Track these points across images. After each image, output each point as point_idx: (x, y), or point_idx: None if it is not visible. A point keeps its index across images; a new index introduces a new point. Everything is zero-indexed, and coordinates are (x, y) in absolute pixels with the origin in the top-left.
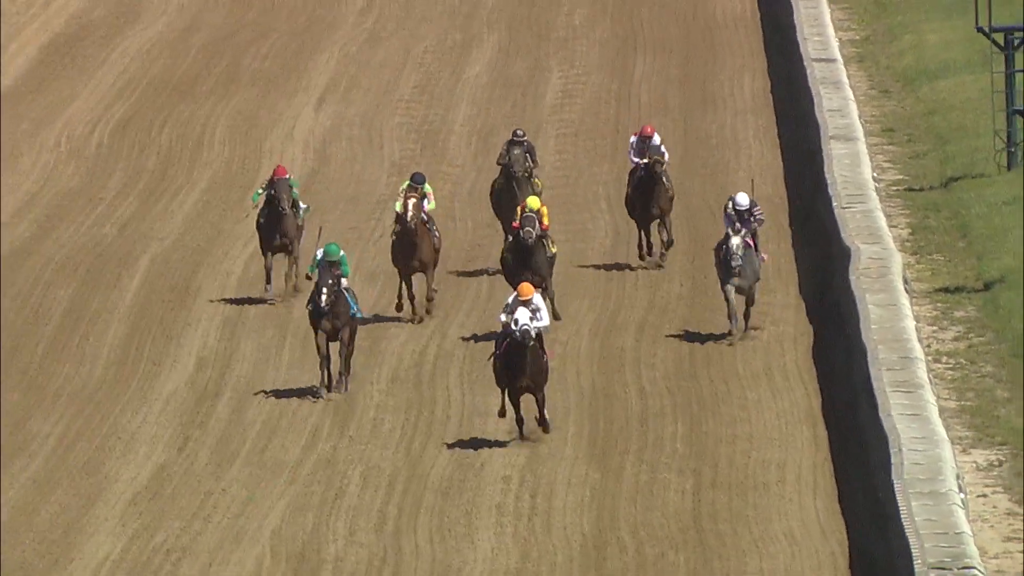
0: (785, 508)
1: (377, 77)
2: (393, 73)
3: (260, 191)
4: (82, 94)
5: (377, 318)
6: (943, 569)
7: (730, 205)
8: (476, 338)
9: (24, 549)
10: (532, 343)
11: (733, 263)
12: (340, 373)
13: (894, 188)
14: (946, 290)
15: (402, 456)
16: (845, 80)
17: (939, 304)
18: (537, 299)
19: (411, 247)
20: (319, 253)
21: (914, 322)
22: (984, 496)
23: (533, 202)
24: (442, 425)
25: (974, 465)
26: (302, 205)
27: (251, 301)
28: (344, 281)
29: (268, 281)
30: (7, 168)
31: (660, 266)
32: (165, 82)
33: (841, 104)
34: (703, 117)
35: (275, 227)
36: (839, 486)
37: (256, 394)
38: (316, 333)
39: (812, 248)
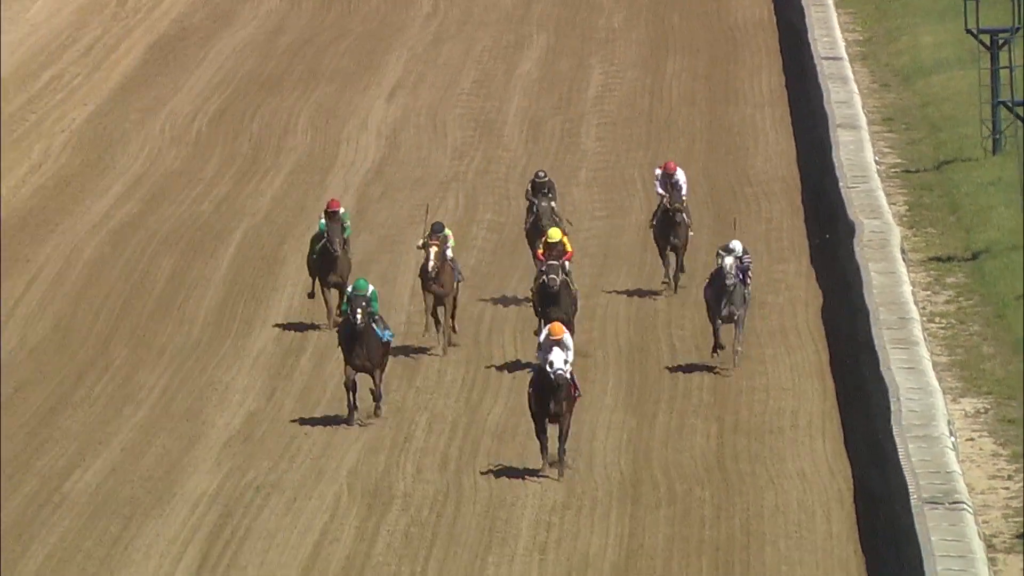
0: (797, 450)
1: (441, 73)
2: (455, 70)
3: (322, 223)
4: (183, 88)
5: (406, 349)
6: (936, 503)
7: (722, 258)
8: (528, 301)
9: (132, 487)
10: (565, 381)
11: (728, 281)
12: (374, 400)
13: (893, 170)
14: (938, 259)
15: (462, 404)
16: (850, 75)
17: (932, 271)
18: (567, 338)
19: (435, 278)
20: (349, 289)
21: (910, 287)
22: (972, 439)
23: (555, 233)
24: (497, 378)
25: (963, 412)
26: (348, 225)
27: None
28: (375, 313)
29: (329, 314)
30: (118, 152)
31: (675, 291)
32: (255, 78)
33: (847, 97)
34: (726, 109)
35: (329, 267)
36: (844, 431)
37: (335, 349)
38: (346, 366)
39: (820, 223)
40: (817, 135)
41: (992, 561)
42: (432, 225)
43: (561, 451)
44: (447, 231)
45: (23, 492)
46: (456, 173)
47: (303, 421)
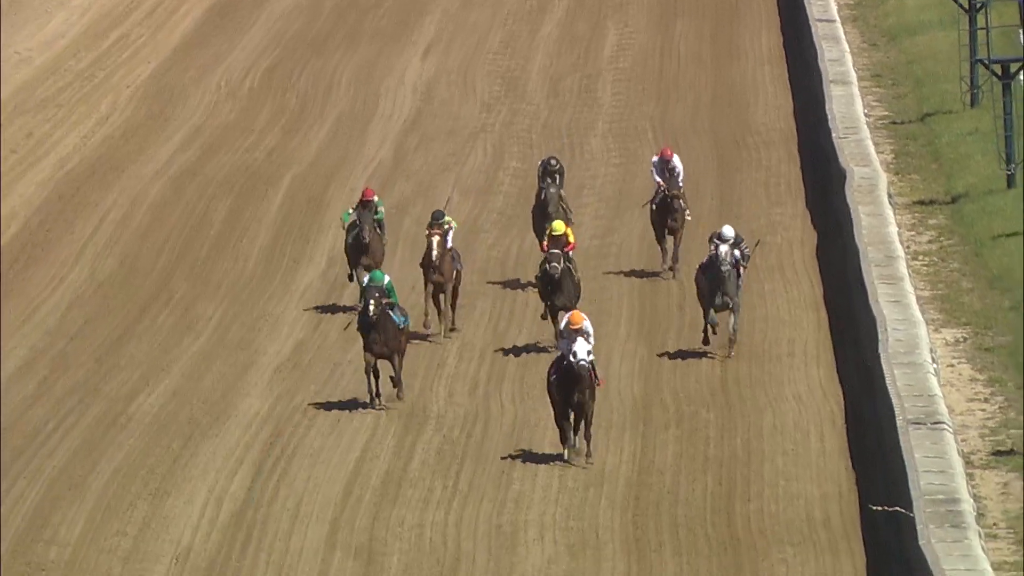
0: (794, 375)
1: (471, 34)
2: (483, 31)
3: (350, 211)
4: (237, 47)
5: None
6: (919, 424)
7: (716, 245)
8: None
9: (192, 408)
10: (587, 372)
11: (723, 267)
12: (394, 385)
13: (881, 122)
14: (921, 203)
15: (490, 334)
16: (842, 36)
17: (916, 214)
18: (586, 324)
19: (434, 268)
20: (366, 280)
21: (896, 228)
22: (952, 366)
23: (558, 226)
24: (523, 310)
25: (944, 341)
26: (381, 210)
27: None
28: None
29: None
30: (178, 105)
31: (673, 277)
32: (302, 38)
33: (839, 55)
34: (729, 66)
35: (360, 251)
36: (836, 358)
37: None
38: (365, 352)
39: (816, 170)
40: (812, 90)
41: (970, 476)
42: (433, 213)
43: (588, 437)
44: (447, 218)
45: (92, 414)
46: (484, 125)
47: (345, 350)
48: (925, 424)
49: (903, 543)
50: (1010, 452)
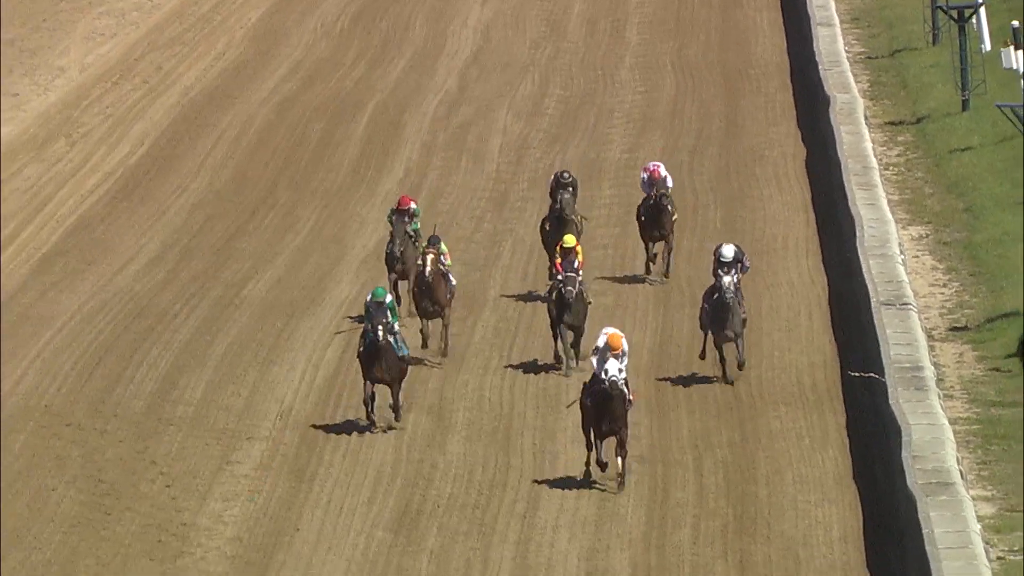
0: (787, 265)
1: None
2: None
3: (391, 215)
4: None
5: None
6: (889, 304)
7: (719, 276)
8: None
9: (292, 293)
10: (619, 392)
11: (727, 296)
12: (393, 411)
13: (859, 57)
14: (892, 123)
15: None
16: None
17: (887, 132)
18: (624, 344)
19: (428, 291)
20: (368, 298)
21: (871, 144)
22: (916, 257)
23: (570, 240)
24: None
25: (910, 236)
26: (417, 227)
27: (442, 130)
28: (394, 325)
29: (398, 303)
30: (282, 44)
31: (664, 279)
32: None
33: (824, 2)
34: (734, 11)
35: (396, 260)
36: (822, 251)
37: (442, 194)
38: (364, 380)
39: (805, 96)
40: (801, 31)
41: (931, 347)
42: (429, 238)
43: (623, 456)
44: (443, 245)
45: (211, 297)
46: (532, 59)
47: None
48: (894, 305)
49: (876, 403)
50: (964, 328)
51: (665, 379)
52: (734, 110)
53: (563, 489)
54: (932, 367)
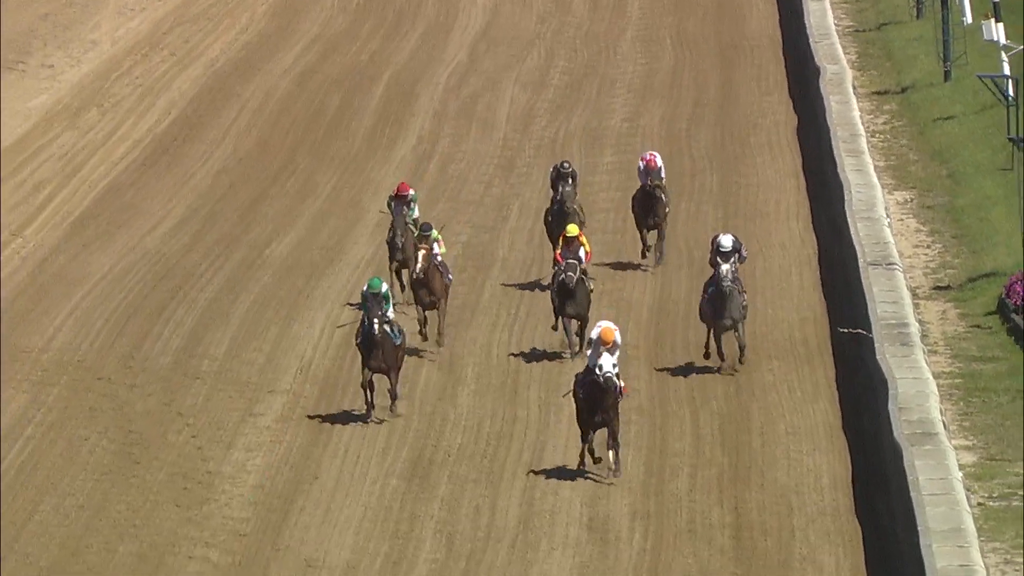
0: (779, 228)
1: None
2: None
3: (390, 201)
4: None
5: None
6: (876, 264)
7: (717, 264)
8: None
9: (312, 254)
10: (612, 385)
11: (724, 285)
12: (391, 399)
13: (847, 30)
14: (878, 93)
15: (545, 194)
16: None
17: (875, 100)
18: (617, 337)
19: (426, 283)
20: (364, 288)
21: (859, 113)
22: (901, 220)
23: (572, 229)
24: None
25: (895, 201)
26: (415, 215)
27: (453, 100)
28: (389, 314)
29: (402, 289)
30: (302, 18)
31: (659, 262)
32: None
33: None
34: None
35: (397, 250)
36: (812, 214)
37: (454, 160)
38: (363, 368)
39: (796, 67)
40: (793, 5)
41: (916, 305)
42: (420, 226)
43: (615, 448)
44: (435, 232)
45: (235, 258)
46: (539, 33)
47: (431, 208)
48: (881, 265)
49: (863, 357)
50: (947, 287)
51: (663, 334)
52: (729, 81)
53: (567, 439)
54: (917, 324)
